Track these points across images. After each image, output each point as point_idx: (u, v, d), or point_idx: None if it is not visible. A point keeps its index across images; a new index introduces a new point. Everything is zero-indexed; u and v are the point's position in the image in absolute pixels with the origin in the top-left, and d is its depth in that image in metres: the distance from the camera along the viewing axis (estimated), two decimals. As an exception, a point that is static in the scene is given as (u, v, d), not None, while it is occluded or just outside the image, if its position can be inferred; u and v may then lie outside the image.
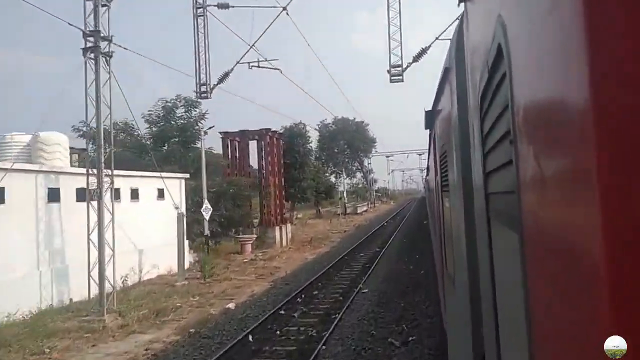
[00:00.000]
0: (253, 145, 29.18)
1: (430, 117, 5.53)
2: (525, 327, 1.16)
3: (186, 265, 19.33)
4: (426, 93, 6.65)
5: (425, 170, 25.35)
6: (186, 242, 19.62)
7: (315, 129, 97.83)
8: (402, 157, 75.64)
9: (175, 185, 19.01)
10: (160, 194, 18.03)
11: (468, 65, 2.31)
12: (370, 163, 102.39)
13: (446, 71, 3.26)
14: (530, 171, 1.04)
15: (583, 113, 0.69)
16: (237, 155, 29.06)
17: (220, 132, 28.36)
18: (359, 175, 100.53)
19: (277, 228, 27.86)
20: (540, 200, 1.00)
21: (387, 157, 75.30)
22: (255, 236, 23.69)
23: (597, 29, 0.67)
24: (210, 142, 34.21)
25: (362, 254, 23.04)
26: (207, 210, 18.95)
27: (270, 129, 28.28)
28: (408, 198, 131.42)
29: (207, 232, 19.04)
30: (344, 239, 30.68)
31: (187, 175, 19.93)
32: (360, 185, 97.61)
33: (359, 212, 57.39)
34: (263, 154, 28.30)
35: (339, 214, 53.89)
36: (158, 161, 21.20)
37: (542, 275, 1.02)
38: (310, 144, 41.72)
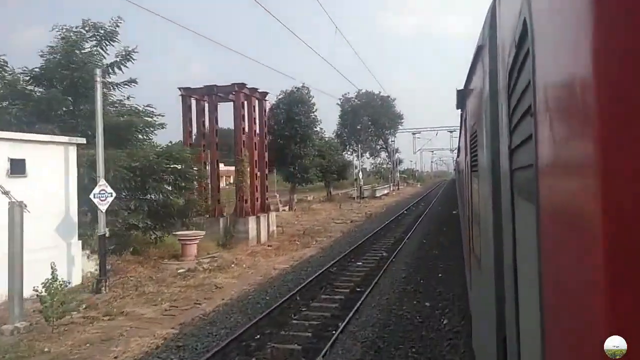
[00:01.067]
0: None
1: (462, 97, 5.51)
2: (538, 302, 1.18)
3: (76, 281, 12.42)
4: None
5: (456, 151, 23.88)
6: (78, 244, 12.71)
7: (337, 104, 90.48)
8: (430, 134, 67.05)
9: (57, 155, 12.02)
10: (18, 167, 11.04)
11: (500, 43, 2.30)
12: (394, 141, 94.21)
13: (479, 49, 3.25)
14: (547, 144, 1.08)
15: (591, 91, 0.73)
16: (205, 120, 21.90)
17: (180, 89, 21.19)
18: (383, 154, 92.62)
19: (251, 219, 20.70)
20: (555, 173, 1.05)
21: (414, 134, 66.75)
22: (202, 233, 16.53)
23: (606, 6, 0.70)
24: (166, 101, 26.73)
25: (358, 265, 15.68)
26: (102, 196, 11.86)
27: (245, 84, 20.85)
28: (437, 181, 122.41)
29: (102, 230, 11.99)
30: (346, 235, 23.34)
31: (83, 141, 12.83)
32: (384, 166, 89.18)
33: (377, 195, 49.77)
34: (236, 118, 20.98)
35: (353, 198, 46.46)
36: (32, 115, 14.17)
37: (554, 248, 1.07)
38: (315, 113, 34.10)
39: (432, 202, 44.38)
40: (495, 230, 2.38)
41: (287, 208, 34.22)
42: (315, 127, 33.97)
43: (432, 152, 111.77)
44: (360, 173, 43.72)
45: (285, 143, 32.49)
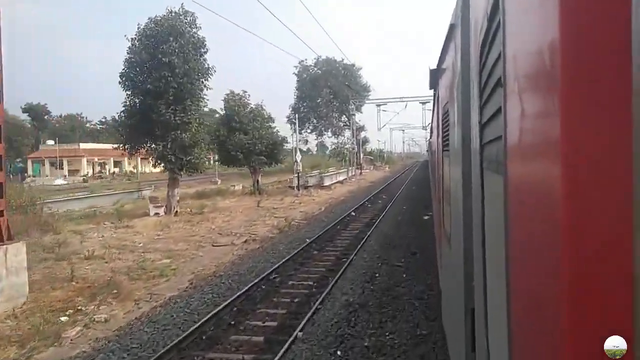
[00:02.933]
0: None
1: (435, 77, 5.45)
2: (505, 274, 1.21)
3: None
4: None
5: (429, 131, 22.16)
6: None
7: (294, 73, 76.91)
8: (399, 106, 54.52)
9: None
10: None
11: (472, 21, 2.29)
12: (360, 119, 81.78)
13: (451, 28, 3.21)
14: (516, 115, 1.09)
15: (557, 61, 0.74)
16: None
17: None
18: (347, 133, 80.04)
19: None
20: (522, 144, 1.05)
21: (379, 105, 54.17)
22: None
23: None
24: None
25: None
26: None
27: None
28: (409, 163, 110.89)
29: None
30: (182, 298, 10.73)
31: None
32: (347, 146, 76.53)
33: (326, 184, 37.28)
34: None
35: (292, 188, 33.91)
36: None
37: (520, 219, 1.08)
38: (204, 52, 20.91)
39: (398, 191, 32.18)
40: (465, 205, 2.38)
41: (170, 211, 21.39)
42: (206, 79, 20.77)
43: (403, 130, 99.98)
44: (299, 155, 30.95)
45: (152, 104, 19.41)
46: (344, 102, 75.91)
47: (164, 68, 18.96)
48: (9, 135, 71.80)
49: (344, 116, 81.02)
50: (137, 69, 19.62)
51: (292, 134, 38.83)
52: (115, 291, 10.76)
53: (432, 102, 9.33)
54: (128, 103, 20.19)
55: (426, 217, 18.71)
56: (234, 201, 27.90)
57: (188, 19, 20.11)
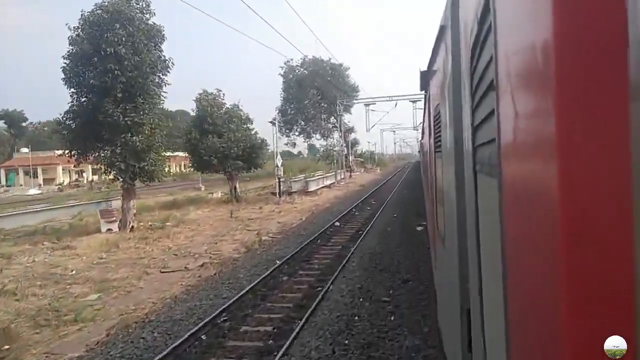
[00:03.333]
0: None
1: (425, 78, 5.42)
2: (502, 275, 1.20)
3: None
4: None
5: (420, 132, 22.78)
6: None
7: (280, 74, 74.21)
8: (388, 106, 51.94)
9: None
10: None
11: (462, 22, 2.30)
12: (349, 121, 79.25)
13: (441, 30, 3.21)
14: (509, 118, 1.08)
15: (550, 64, 0.74)
16: None
17: None
18: (336, 135, 77.45)
19: None
20: (516, 147, 1.06)
21: (367, 105, 51.68)
22: None
23: None
24: None
25: None
26: None
27: None
28: (400, 164, 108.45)
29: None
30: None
31: None
32: (335, 149, 73.58)
33: (312, 189, 34.54)
34: None
35: (274, 195, 31.20)
36: None
37: (515, 222, 1.08)
38: (160, 42, 18.15)
39: (389, 196, 29.53)
40: (459, 207, 2.38)
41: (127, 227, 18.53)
42: (163, 73, 17.98)
43: (394, 131, 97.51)
44: (279, 160, 28.20)
45: (98, 102, 16.58)
46: (332, 103, 73.27)
47: (109, 60, 16.14)
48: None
49: (333, 117, 78.51)
50: (81, 63, 16.79)
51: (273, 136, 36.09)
52: (6, 346, 8.01)
53: (422, 102, 9.25)
54: (73, 102, 17.35)
55: (419, 228, 16.08)
56: (207, 211, 25.09)
57: (140, 4, 17.32)
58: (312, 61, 71.88)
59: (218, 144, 26.23)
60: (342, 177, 47.57)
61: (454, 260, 2.58)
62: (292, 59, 73.33)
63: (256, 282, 10.69)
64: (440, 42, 3.40)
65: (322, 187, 37.72)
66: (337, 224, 19.61)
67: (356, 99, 59.65)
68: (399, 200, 27.69)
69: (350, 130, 78.34)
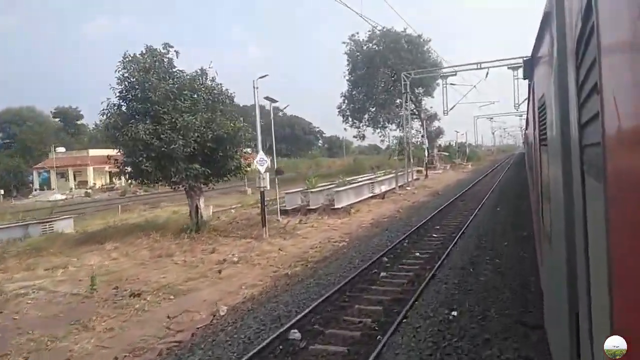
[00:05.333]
0: None
1: (529, 66, 5.26)
2: (607, 279, 1.18)
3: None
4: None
5: (524, 121, 21.65)
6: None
7: (344, 53, 61.86)
8: (476, 76, 37.19)
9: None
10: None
11: (567, 9, 2.21)
12: (432, 107, 64.85)
13: (546, 16, 3.09)
14: (613, 124, 1.06)
15: None
16: None
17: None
18: (417, 124, 63.52)
19: None
20: (622, 153, 1.03)
21: (444, 77, 37.66)
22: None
23: None
24: None
25: None
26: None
27: None
28: (500, 158, 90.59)
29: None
30: None
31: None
32: (415, 140, 59.51)
33: (342, 205, 21.68)
34: None
35: (285, 213, 19.48)
36: None
37: (622, 228, 1.05)
38: None
39: (469, 218, 16.26)
40: (566, 208, 2.30)
41: None
42: None
43: (491, 118, 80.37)
44: (263, 161, 16.01)
45: None
46: (408, 85, 59.58)
47: None
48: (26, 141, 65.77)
49: (411, 102, 64.55)
50: None
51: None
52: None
53: (527, 94, 8.73)
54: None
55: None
56: (115, 256, 13.95)
57: None
58: (383, 34, 58.59)
59: (145, 133, 14.90)
60: (410, 179, 34.29)
61: (562, 262, 2.50)
62: (357, 33, 60.74)
63: None
64: (544, 29, 3.30)
65: (368, 197, 25.06)
66: (312, 328, 7.41)
67: (431, 72, 45.24)
68: (487, 227, 14.59)
69: (432, 117, 63.85)
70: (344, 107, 64.38)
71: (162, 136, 15.10)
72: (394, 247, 13.05)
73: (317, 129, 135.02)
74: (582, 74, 1.60)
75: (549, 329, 4.19)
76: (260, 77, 15.91)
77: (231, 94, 17.84)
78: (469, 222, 16.51)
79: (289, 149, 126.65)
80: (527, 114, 10.78)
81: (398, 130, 64.67)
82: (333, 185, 23.98)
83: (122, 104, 15.98)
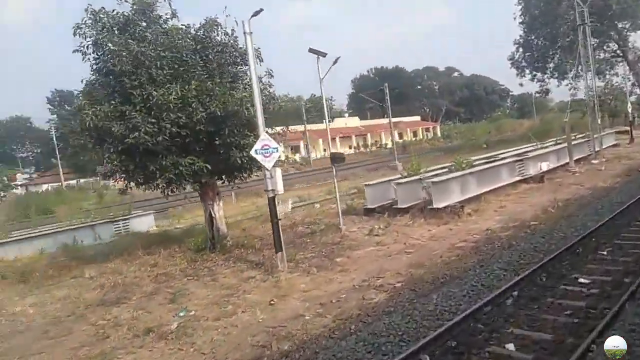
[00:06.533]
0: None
1: None
2: None
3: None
4: None
5: None
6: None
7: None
8: None
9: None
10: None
11: None
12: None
13: None
14: None
15: None
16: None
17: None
18: (621, 69, 47.85)
19: None
20: None
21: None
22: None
23: None
24: None
25: None
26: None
27: None
28: None
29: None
30: None
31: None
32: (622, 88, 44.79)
33: (442, 205, 13.47)
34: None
35: (372, 211, 13.31)
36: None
37: None
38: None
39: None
40: None
41: None
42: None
43: None
44: (265, 155, 9.82)
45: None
46: (611, 20, 44.15)
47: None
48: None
49: (612, 40, 48.47)
50: None
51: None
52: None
53: None
54: None
55: None
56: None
57: None
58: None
59: (98, 118, 10.27)
60: (601, 146, 23.51)
61: None
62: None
63: None
64: None
65: (511, 182, 16.60)
66: None
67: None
68: None
69: (641, 58, 46.39)
70: (517, 57, 51.89)
71: (126, 120, 10.33)
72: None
73: (503, 87, 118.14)
74: None
75: None
76: (252, 16, 9.67)
77: (257, 49, 11.82)
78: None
79: (470, 112, 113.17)
80: None
81: (598, 78, 49.09)
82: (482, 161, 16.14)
83: (99, 79, 11.65)
